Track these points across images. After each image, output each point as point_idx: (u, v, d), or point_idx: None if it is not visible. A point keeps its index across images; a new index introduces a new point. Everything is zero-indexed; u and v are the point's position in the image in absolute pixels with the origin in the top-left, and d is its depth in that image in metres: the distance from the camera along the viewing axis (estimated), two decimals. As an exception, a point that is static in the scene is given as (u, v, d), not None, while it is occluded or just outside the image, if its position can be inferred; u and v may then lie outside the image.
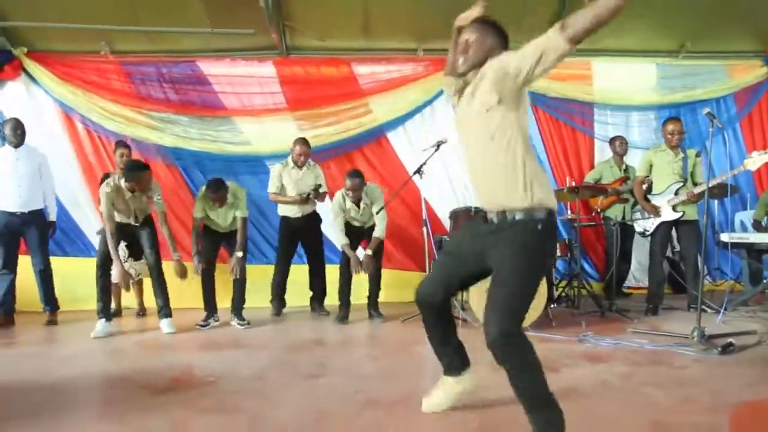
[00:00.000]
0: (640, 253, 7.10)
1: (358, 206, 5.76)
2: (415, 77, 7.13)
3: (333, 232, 5.88)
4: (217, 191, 5.48)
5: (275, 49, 6.89)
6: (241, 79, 6.90)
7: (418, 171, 5.54)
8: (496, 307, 2.34)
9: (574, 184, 6.12)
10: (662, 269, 5.89)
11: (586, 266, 7.30)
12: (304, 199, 6.03)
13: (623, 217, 6.73)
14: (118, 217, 5.34)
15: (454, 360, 2.93)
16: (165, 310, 5.47)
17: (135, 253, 5.76)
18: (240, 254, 5.57)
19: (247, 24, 6.30)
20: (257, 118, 6.90)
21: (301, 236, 6.28)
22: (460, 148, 2.57)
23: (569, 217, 6.28)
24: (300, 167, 6.14)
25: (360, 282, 5.91)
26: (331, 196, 6.04)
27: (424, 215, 5.66)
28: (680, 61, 7.49)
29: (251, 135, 6.90)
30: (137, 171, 5.19)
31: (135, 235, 5.52)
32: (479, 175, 2.50)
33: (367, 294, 5.85)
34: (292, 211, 6.18)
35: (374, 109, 7.06)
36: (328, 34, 6.82)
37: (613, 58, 7.41)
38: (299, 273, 6.40)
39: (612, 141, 7.05)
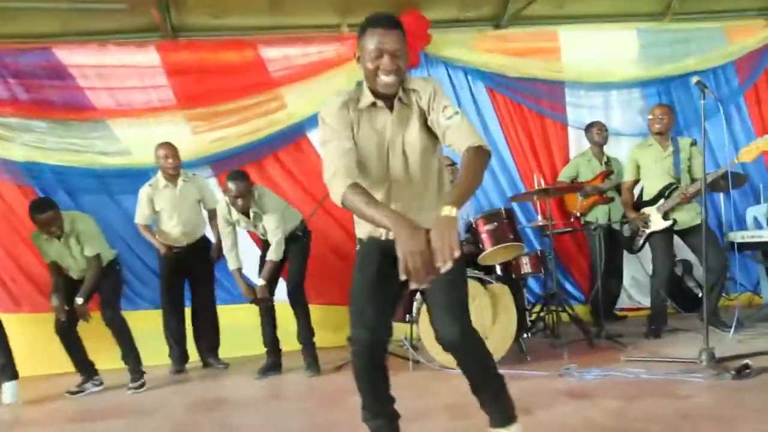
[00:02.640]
0: (634, 266, 7.19)
1: (248, 216, 5.72)
2: (340, 60, 7.06)
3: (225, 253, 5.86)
4: (41, 212, 5.38)
5: (157, 30, 6.80)
6: (114, 70, 6.72)
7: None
8: (453, 307, 2.81)
9: (543, 183, 6.14)
10: (666, 284, 5.99)
11: (567, 285, 7.35)
12: (174, 254, 6.10)
13: (608, 221, 6.81)
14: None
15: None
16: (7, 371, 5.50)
17: None
18: (80, 300, 5.51)
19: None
20: (138, 119, 6.75)
21: (187, 269, 6.27)
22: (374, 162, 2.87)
23: (540, 223, 6.28)
24: (173, 181, 6.11)
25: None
26: None
27: None
28: (666, 24, 7.69)
29: (131, 142, 6.74)
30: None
31: None
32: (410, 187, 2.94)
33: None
34: (175, 241, 6.19)
35: (289, 103, 7.01)
36: (225, 8, 6.78)
37: (584, 25, 7.56)
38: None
39: (588, 128, 7.11)
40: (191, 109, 6.88)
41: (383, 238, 2.90)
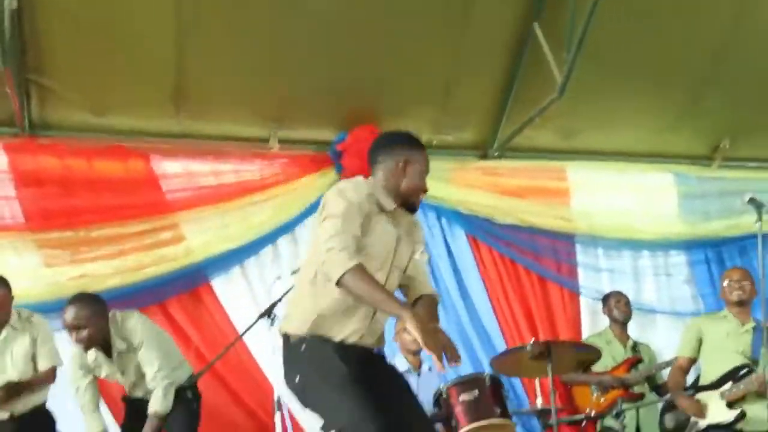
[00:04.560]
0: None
1: (109, 356, 5.62)
2: (264, 185, 7.30)
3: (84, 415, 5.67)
4: None
5: (10, 124, 6.91)
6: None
7: (268, 313, 5.50)
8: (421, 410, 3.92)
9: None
10: None
11: None
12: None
13: (637, 427, 6.82)
14: None
15: None
16: None
17: None
18: None
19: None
20: (-35, 242, 6.73)
21: None
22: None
23: (540, 407, 6.23)
24: None
25: None
26: None
27: (280, 418, 5.45)
28: (715, 171, 8.13)
29: (-48, 272, 6.64)
30: None
31: None
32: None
33: None
34: None
35: (188, 236, 7.10)
36: (111, 103, 6.97)
37: (603, 163, 7.96)
38: None
39: (606, 300, 7.31)
40: (45, 232, 6.86)
41: (344, 340, 3.73)
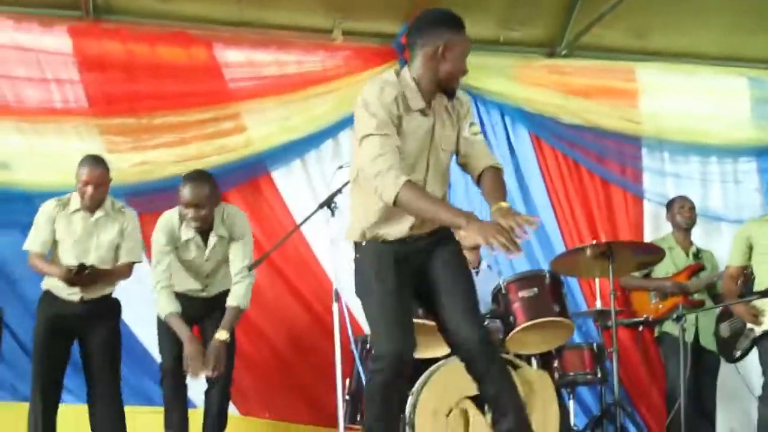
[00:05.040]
0: (736, 408, 7.13)
1: (205, 241, 5.67)
2: (326, 77, 7.24)
3: (157, 295, 5.62)
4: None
5: (75, 7, 6.85)
6: (2, 51, 6.76)
7: (328, 203, 5.49)
8: (471, 309, 3.94)
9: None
10: None
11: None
12: (75, 276, 5.66)
13: (696, 334, 6.77)
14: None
15: None
16: None
17: None
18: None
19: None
20: (28, 123, 6.74)
21: (79, 339, 5.96)
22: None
23: (599, 308, 6.24)
24: (91, 209, 5.90)
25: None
26: None
27: (337, 309, 5.45)
28: (790, 75, 7.89)
29: (14, 154, 6.69)
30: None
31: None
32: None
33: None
34: (65, 289, 5.82)
35: (250, 126, 7.09)
36: (174, -10, 6.91)
37: (674, 65, 7.78)
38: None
39: (669, 205, 7.23)
40: (108, 117, 6.88)
41: (390, 239, 3.94)
